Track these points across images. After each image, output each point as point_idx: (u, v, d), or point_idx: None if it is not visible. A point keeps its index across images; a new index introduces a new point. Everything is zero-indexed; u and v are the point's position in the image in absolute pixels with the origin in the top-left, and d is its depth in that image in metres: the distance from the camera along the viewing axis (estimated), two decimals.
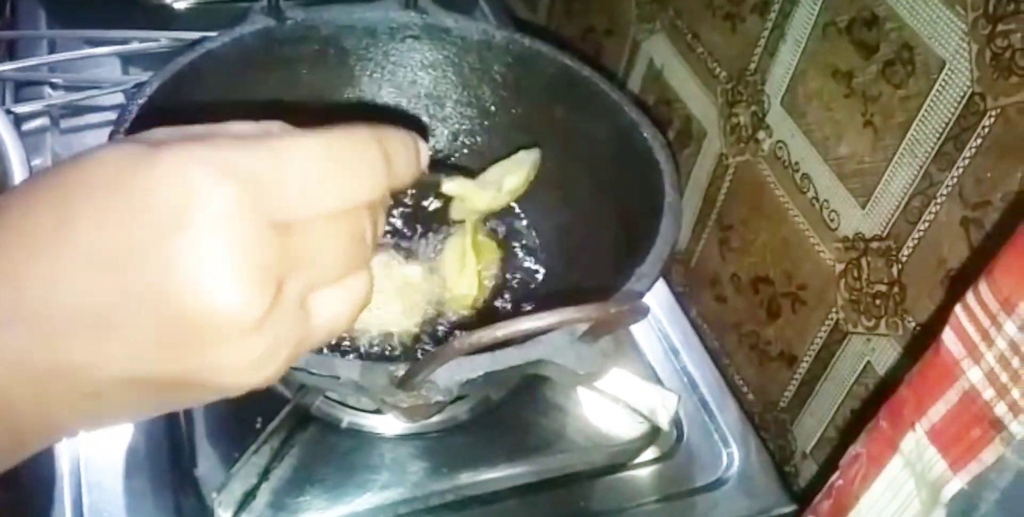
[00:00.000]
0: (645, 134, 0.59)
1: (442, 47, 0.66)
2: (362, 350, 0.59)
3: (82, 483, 0.55)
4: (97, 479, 0.55)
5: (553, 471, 0.59)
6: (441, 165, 0.69)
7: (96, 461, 0.56)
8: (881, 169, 0.53)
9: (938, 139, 0.49)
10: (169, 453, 0.56)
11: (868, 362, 0.57)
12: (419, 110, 0.69)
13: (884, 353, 0.56)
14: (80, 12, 0.81)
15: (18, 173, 0.49)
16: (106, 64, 0.77)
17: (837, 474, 0.45)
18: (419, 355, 0.59)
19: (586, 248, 0.63)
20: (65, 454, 0.56)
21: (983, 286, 0.36)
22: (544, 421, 0.60)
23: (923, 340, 0.51)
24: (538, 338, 0.45)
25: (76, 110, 0.75)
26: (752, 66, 0.63)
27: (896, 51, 0.51)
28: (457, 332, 0.60)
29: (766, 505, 0.61)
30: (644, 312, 0.43)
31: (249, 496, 0.53)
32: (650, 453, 0.61)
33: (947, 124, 0.48)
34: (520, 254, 0.66)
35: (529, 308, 0.63)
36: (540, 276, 0.65)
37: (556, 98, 0.64)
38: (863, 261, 0.56)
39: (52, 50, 0.77)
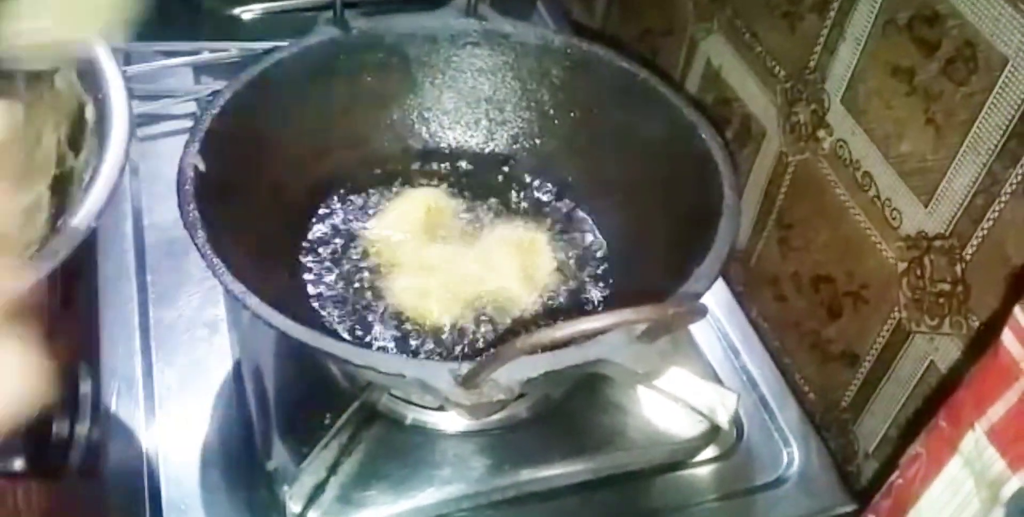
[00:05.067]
0: (703, 135, 0.59)
1: (501, 52, 0.67)
2: (428, 344, 0.60)
3: (160, 477, 0.57)
4: (175, 473, 0.57)
5: (612, 469, 0.59)
6: (498, 165, 0.70)
7: (174, 456, 0.58)
8: (944, 167, 0.53)
9: (1001, 136, 0.48)
10: (243, 448, 0.58)
11: (931, 361, 0.57)
12: (479, 114, 0.70)
13: (948, 352, 0.55)
14: (154, 24, 0.83)
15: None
16: (179, 74, 0.80)
17: (897, 473, 0.45)
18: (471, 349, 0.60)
19: (645, 248, 0.63)
20: (144, 449, 0.58)
21: None
22: (604, 419, 0.60)
23: (987, 339, 0.50)
24: (597, 337, 0.46)
25: (152, 118, 0.77)
26: (812, 64, 0.63)
27: (958, 48, 0.50)
28: (518, 329, 0.61)
29: (826, 504, 0.61)
30: (702, 313, 0.43)
31: (318, 490, 0.55)
32: (710, 452, 0.61)
33: (1011, 121, 0.48)
34: (581, 252, 0.66)
35: (589, 307, 0.63)
36: (600, 274, 0.65)
37: (614, 101, 0.65)
38: (926, 260, 0.56)
39: (128, 62, 0.79)
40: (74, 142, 0.51)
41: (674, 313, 0.42)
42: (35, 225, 0.49)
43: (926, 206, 0.55)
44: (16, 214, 0.48)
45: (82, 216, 0.43)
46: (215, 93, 0.58)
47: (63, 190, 0.49)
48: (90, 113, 0.50)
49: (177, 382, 0.61)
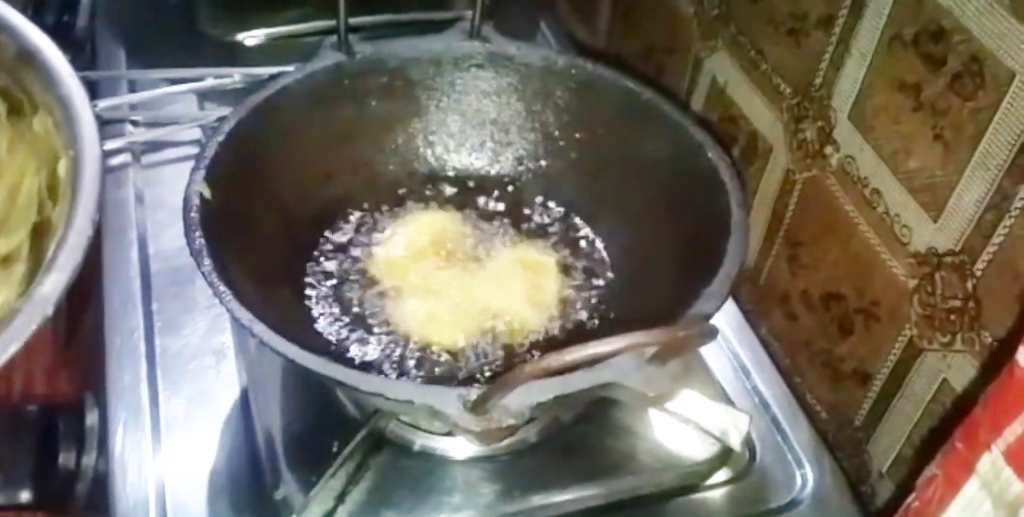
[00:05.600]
0: (710, 155, 0.59)
1: (505, 74, 0.67)
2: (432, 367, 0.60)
3: (167, 507, 0.56)
4: (182, 503, 0.57)
5: (624, 493, 0.59)
6: (504, 187, 0.70)
7: (182, 486, 0.57)
8: (953, 183, 0.52)
9: (1010, 151, 0.48)
10: (250, 477, 0.58)
11: (944, 379, 0.56)
12: (484, 136, 0.70)
13: (961, 369, 0.55)
14: (157, 51, 0.84)
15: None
16: (183, 100, 0.80)
17: (913, 496, 0.44)
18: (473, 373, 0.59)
19: (653, 268, 0.63)
20: (151, 479, 0.58)
21: None
22: (614, 443, 0.60)
23: (1000, 356, 0.50)
24: (607, 361, 0.45)
25: (156, 146, 0.78)
26: (817, 81, 0.62)
27: (964, 64, 0.50)
28: (527, 352, 0.61)
29: None
30: (712, 335, 0.43)
31: None
32: (722, 474, 0.61)
33: (1019, 136, 0.47)
34: (589, 273, 0.66)
35: (598, 328, 0.63)
36: (609, 295, 0.65)
37: (620, 121, 0.65)
38: (937, 276, 0.55)
39: (132, 89, 0.80)
40: (52, 191, 0.50)
41: (685, 335, 0.41)
42: (12, 280, 0.48)
43: (936, 222, 0.54)
44: None
45: (49, 287, 0.42)
46: (220, 119, 0.58)
47: (41, 242, 0.48)
48: (63, 169, 0.49)
49: (184, 411, 0.61)
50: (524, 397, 0.44)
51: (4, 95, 0.54)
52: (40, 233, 0.49)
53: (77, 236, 0.43)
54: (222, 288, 0.48)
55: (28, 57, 0.52)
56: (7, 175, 0.52)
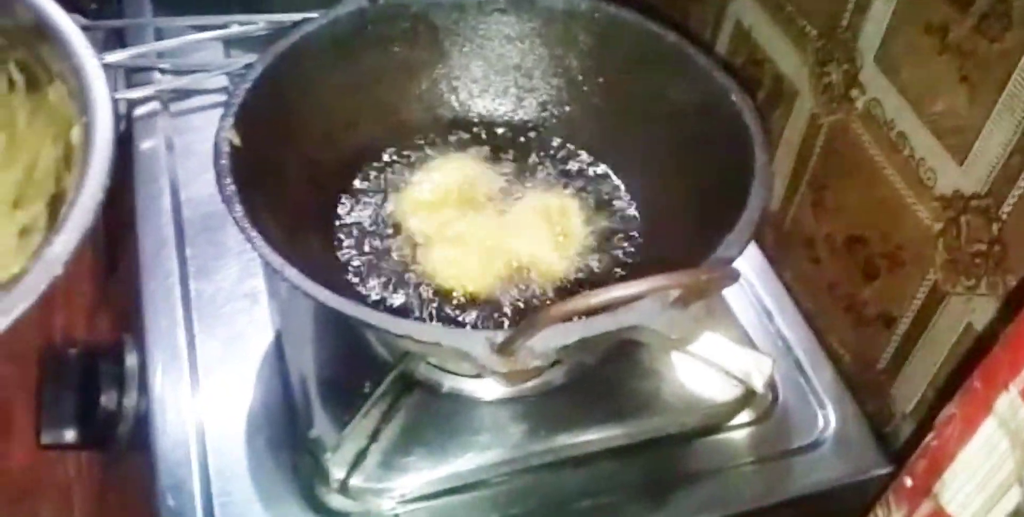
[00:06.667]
0: (734, 98, 0.59)
1: (528, 19, 0.67)
2: (460, 314, 0.61)
3: (207, 446, 0.58)
4: (220, 443, 0.58)
5: (648, 433, 0.60)
6: (528, 132, 0.70)
7: (219, 427, 0.59)
8: (979, 126, 0.52)
9: None
10: (286, 417, 0.59)
11: (969, 322, 0.56)
12: (507, 82, 0.70)
13: (985, 313, 0.55)
14: None
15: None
16: (209, 48, 0.80)
17: (932, 434, 0.45)
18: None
19: (677, 212, 0.63)
20: (190, 419, 0.59)
21: None
22: (638, 384, 0.61)
23: (1022, 298, 0.50)
24: (631, 304, 0.46)
25: (184, 93, 0.78)
26: (843, 23, 0.62)
27: (991, 4, 0.50)
28: (552, 296, 0.62)
29: (863, 466, 0.61)
30: (735, 277, 0.44)
31: (360, 456, 0.56)
32: (745, 416, 0.62)
33: None
34: (613, 217, 0.67)
35: (622, 272, 0.64)
36: (632, 239, 0.65)
37: (643, 65, 0.64)
38: (962, 220, 0.55)
39: (159, 37, 0.80)
40: (67, 160, 0.51)
41: (707, 278, 0.42)
42: (28, 248, 0.49)
43: (961, 165, 0.54)
44: (12, 236, 0.48)
45: (59, 247, 0.43)
46: (246, 67, 0.58)
47: (56, 211, 0.49)
48: (76, 136, 0.50)
49: (219, 353, 0.63)
50: (549, 339, 0.44)
51: (23, 67, 0.55)
52: (56, 203, 0.50)
53: (88, 199, 0.44)
54: (253, 233, 0.49)
55: (44, 28, 0.53)
56: (26, 149, 0.53)
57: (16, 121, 0.55)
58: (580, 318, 0.45)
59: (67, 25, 0.53)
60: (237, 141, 0.54)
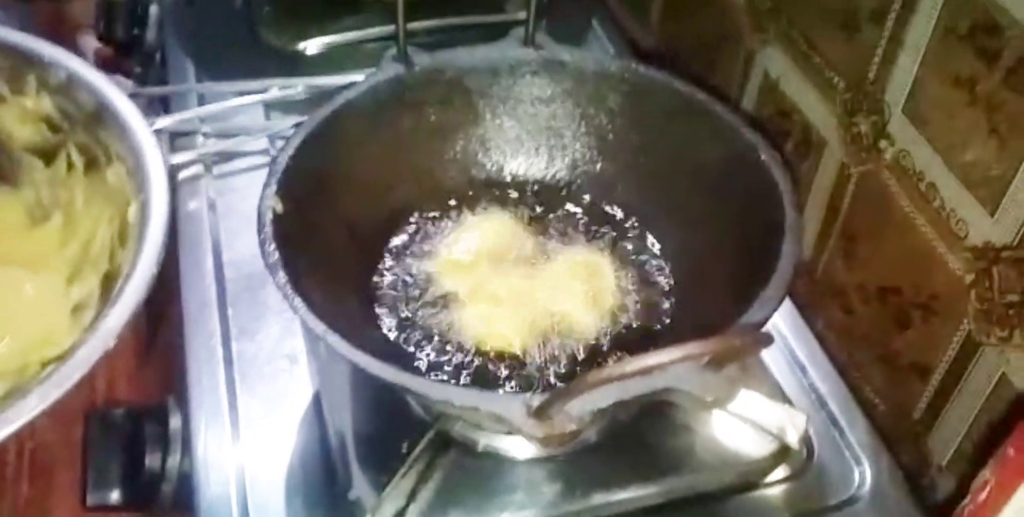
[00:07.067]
0: (763, 156, 0.59)
1: (560, 80, 0.68)
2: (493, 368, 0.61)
3: (248, 506, 0.59)
4: (262, 500, 0.59)
5: (683, 491, 0.60)
6: (560, 191, 0.71)
7: (260, 484, 0.60)
8: (1009, 177, 0.52)
9: None
10: (325, 477, 0.60)
11: (1003, 373, 0.56)
12: (540, 141, 0.71)
13: (1021, 364, 0.55)
14: (225, 63, 0.87)
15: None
16: (250, 111, 0.82)
17: (967, 499, 0.45)
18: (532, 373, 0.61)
19: (709, 269, 0.63)
20: (232, 478, 0.60)
21: None
22: (673, 441, 0.61)
23: None
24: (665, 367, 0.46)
25: (226, 156, 0.80)
26: (871, 75, 0.62)
27: (1019, 58, 0.50)
28: (587, 354, 0.62)
29: None
30: (768, 342, 0.44)
31: None
32: (780, 472, 0.62)
33: None
34: (646, 274, 0.67)
35: (656, 329, 0.64)
36: (665, 296, 0.66)
37: (672, 123, 0.65)
38: (994, 270, 0.55)
39: (202, 101, 0.82)
40: (122, 237, 0.53)
41: (741, 344, 0.42)
42: (80, 324, 0.50)
43: (992, 216, 0.54)
44: (66, 312, 0.50)
45: (113, 320, 0.45)
46: (290, 130, 0.60)
47: (110, 287, 0.51)
48: (132, 214, 0.52)
49: (261, 413, 0.64)
50: (585, 403, 0.45)
51: (82, 150, 0.58)
52: (109, 278, 0.52)
53: (142, 275, 0.46)
54: (298, 301, 0.50)
55: (105, 112, 0.55)
56: (83, 228, 0.55)
57: (74, 201, 0.57)
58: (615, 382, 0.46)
59: (127, 108, 0.55)
60: (280, 208, 0.55)
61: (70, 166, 0.60)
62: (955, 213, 0.57)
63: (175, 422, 0.61)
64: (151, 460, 0.59)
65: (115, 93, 0.55)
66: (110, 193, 0.54)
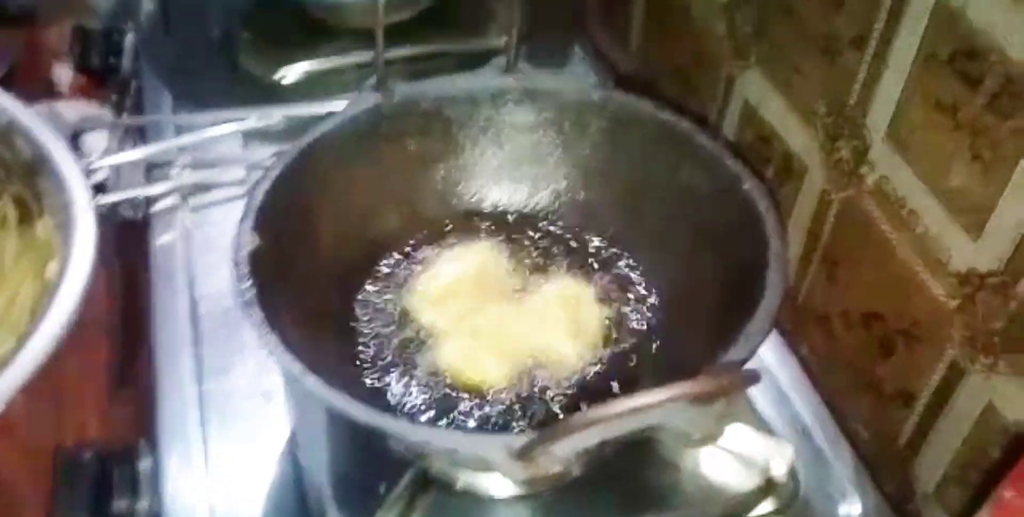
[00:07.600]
0: (746, 186, 0.59)
1: (541, 109, 0.67)
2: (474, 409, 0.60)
3: None
4: None
5: None
6: (542, 221, 0.71)
7: None
8: (992, 203, 0.52)
9: None
10: None
11: (989, 400, 0.56)
12: (521, 170, 0.70)
13: (1005, 391, 0.54)
14: (202, 91, 0.86)
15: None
16: (227, 141, 0.81)
17: None
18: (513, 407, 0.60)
19: (694, 299, 0.63)
20: None
21: None
22: (656, 475, 0.60)
23: None
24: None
25: (203, 187, 0.79)
26: (852, 100, 0.62)
27: (1002, 84, 0.50)
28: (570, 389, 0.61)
29: None
30: (755, 380, 0.43)
31: None
32: (767, 505, 0.60)
33: None
34: (630, 305, 0.66)
35: (640, 362, 0.63)
36: (650, 327, 0.65)
37: (655, 152, 0.65)
38: (978, 297, 0.55)
39: (179, 131, 0.81)
40: (44, 294, 0.51)
41: (729, 383, 0.42)
42: None
43: (976, 242, 0.54)
44: None
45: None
46: (266, 167, 0.59)
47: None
48: (51, 271, 0.50)
49: (234, 453, 0.62)
50: (570, 445, 0.44)
51: (18, 203, 0.56)
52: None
53: (42, 336, 0.44)
54: (274, 340, 0.49)
55: (41, 161, 0.53)
56: (8, 286, 0.53)
57: (3, 257, 0.56)
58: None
59: (65, 159, 0.53)
60: (256, 244, 0.54)
61: (3, 219, 0.58)
62: (938, 239, 0.57)
63: (145, 464, 0.59)
64: (118, 504, 0.57)
65: (55, 144, 0.53)
66: (39, 248, 0.53)
